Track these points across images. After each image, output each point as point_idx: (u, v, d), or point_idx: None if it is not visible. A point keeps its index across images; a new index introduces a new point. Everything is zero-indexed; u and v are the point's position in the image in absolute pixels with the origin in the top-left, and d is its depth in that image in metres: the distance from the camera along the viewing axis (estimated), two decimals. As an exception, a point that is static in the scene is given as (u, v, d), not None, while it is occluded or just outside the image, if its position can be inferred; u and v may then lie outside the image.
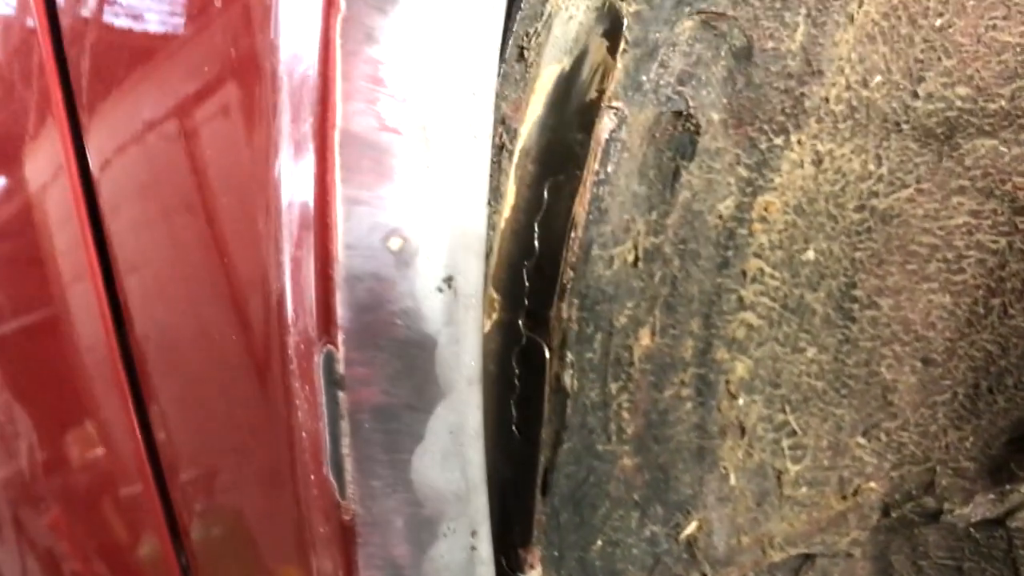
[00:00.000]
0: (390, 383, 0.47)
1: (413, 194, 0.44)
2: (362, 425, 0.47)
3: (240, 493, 0.62)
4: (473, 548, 0.50)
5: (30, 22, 0.72)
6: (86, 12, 0.66)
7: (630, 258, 0.75)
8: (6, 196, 0.80)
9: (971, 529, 0.96)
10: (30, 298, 0.82)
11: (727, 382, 0.86)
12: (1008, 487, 0.90)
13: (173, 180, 0.60)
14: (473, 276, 0.48)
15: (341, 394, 0.46)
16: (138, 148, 0.64)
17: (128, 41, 0.64)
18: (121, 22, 0.64)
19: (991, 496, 0.91)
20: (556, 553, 0.76)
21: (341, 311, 0.45)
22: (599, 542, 0.78)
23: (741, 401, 0.88)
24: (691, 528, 0.83)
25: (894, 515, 0.95)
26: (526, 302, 0.67)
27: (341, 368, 0.46)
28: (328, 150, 0.43)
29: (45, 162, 0.75)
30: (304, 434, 0.51)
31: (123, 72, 0.63)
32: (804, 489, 0.92)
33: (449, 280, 0.46)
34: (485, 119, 0.46)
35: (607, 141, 0.60)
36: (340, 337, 0.45)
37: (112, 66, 0.64)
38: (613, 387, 0.78)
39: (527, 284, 0.66)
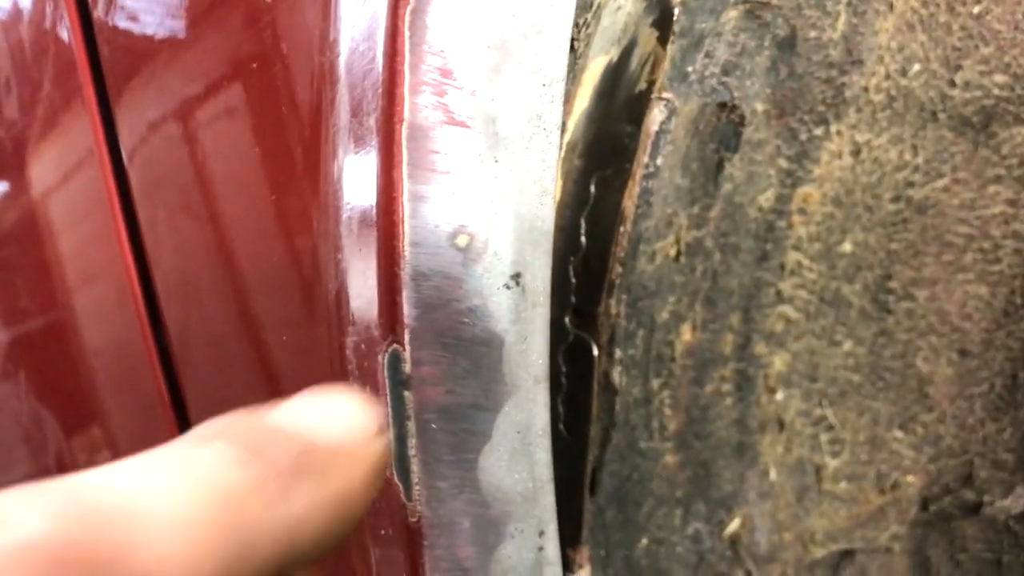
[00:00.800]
0: (457, 382, 0.46)
1: (480, 189, 0.43)
2: (429, 425, 0.46)
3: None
4: (541, 548, 0.49)
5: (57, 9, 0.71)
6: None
7: (672, 252, 0.74)
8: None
9: (1010, 522, 0.95)
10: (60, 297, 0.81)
11: (766, 376, 0.85)
12: (1050, 478, 0.89)
13: (217, 177, 0.59)
14: (541, 273, 0.46)
15: (407, 394, 0.45)
16: (177, 145, 0.63)
17: (166, 35, 0.63)
18: (157, 13, 0.63)
19: (1032, 487, 0.90)
20: (603, 553, 0.75)
21: (408, 309, 0.44)
22: (644, 540, 0.77)
23: (780, 396, 0.87)
24: (734, 525, 0.82)
25: (932, 508, 0.94)
26: (572, 299, 0.66)
27: (407, 367, 0.45)
28: (395, 144, 0.42)
29: (77, 153, 0.74)
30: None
31: (162, 65, 0.61)
32: (843, 484, 0.91)
33: (517, 277, 0.45)
34: (555, 112, 0.45)
35: (657, 133, 0.59)
36: (406, 336, 0.44)
37: (149, 60, 0.63)
38: (655, 383, 0.77)
39: (573, 281, 0.65)
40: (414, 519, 0.48)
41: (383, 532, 0.50)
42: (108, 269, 0.75)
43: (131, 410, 0.77)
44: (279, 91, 0.53)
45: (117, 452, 0.84)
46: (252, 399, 0.64)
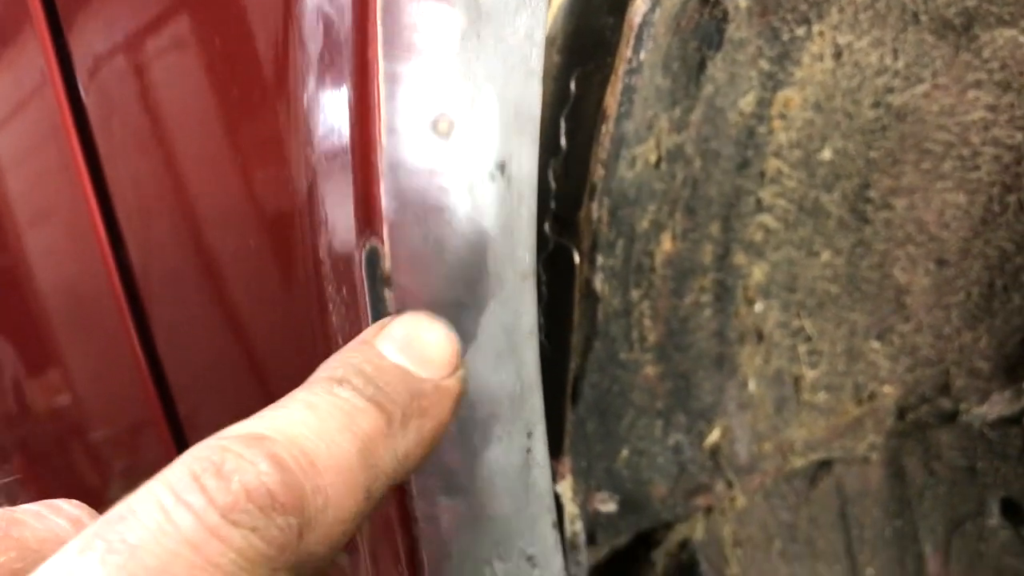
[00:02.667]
0: (439, 280, 0.44)
1: (462, 70, 0.40)
2: (411, 325, 0.44)
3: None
4: (528, 451, 0.47)
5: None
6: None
7: (652, 158, 0.72)
8: None
9: (985, 429, 0.95)
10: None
11: (745, 288, 0.84)
12: (1025, 384, 0.89)
13: (180, 97, 0.56)
14: (527, 162, 0.44)
15: (387, 293, 0.43)
16: (137, 69, 0.59)
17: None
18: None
19: (1007, 394, 0.91)
20: (584, 464, 0.74)
21: (385, 202, 0.41)
22: (625, 452, 0.76)
23: (758, 307, 0.86)
24: (714, 436, 0.81)
25: (909, 418, 0.94)
26: (552, 205, 0.64)
27: (387, 265, 0.42)
28: (368, 21, 0.39)
29: (28, 80, 0.70)
30: (342, 337, 0.48)
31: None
32: (821, 395, 0.90)
33: (502, 166, 0.42)
34: (540, -13, 0.42)
35: (640, 25, 0.56)
36: (385, 231, 0.42)
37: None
38: (635, 294, 0.75)
39: (553, 185, 0.63)
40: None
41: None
42: (66, 203, 0.71)
43: (94, 349, 0.74)
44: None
45: (77, 395, 0.81)
46: (221, 330, 0.62)
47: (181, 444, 0.67)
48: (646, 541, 0.82)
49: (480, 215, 0.43)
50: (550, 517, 0.49)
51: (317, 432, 0.34)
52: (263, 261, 0.54)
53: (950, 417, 0.94)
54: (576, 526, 0.69)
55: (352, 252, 0.44)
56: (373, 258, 0.43)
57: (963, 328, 0.95)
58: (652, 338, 0.77)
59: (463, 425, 0.46)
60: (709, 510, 0.84)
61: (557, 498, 0.68)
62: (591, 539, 0.75)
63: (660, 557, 0.81)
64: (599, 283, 0.65)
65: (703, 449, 0.81)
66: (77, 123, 0.67)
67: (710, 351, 0.82)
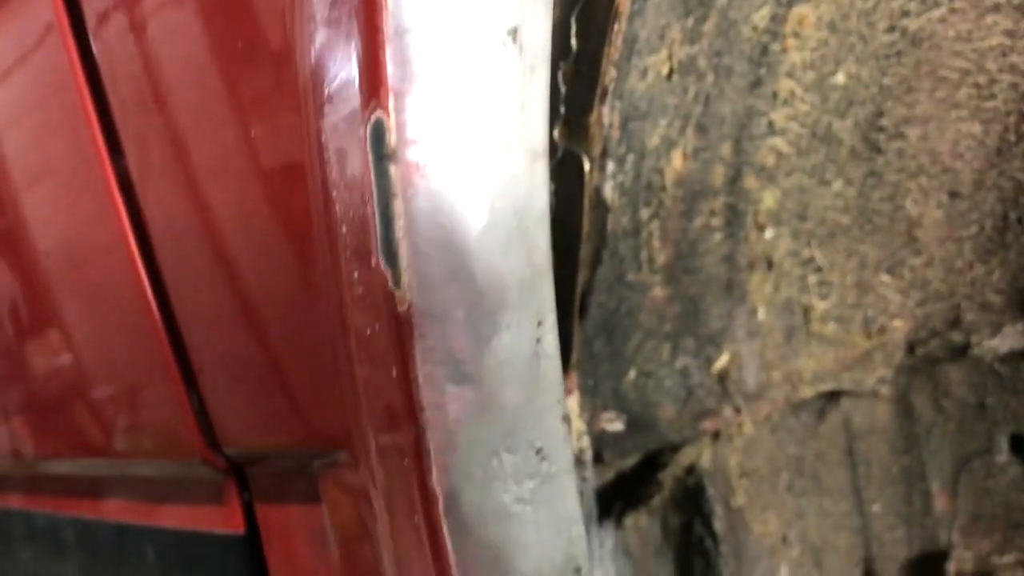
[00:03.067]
0: (447, 154, 0.42)
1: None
2: (418, 204, 0.43)
3: (263, 312, 0.57)
4: (538, 340, 0.46)
5: None
6: None
7: (664, 70, 0.70)
8: None
9: (995, 364, 0.94)
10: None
11: (755, 213, 0.83)
12: (1038, 316, 0.88)
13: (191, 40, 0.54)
14: (541, 28, 0.42)
15: (393, 169, 0.42)
16: (147, 17, 0.57)
17: None
18: None
19: (1020, 327, 0.89)
20: (591, 382, 0.72)
21: (391, 69, 0.40)
22: (632, 373, 0.75)
23: (769, 234, 0.84)
24: (722, 361, 0.80)
25: (919, 352, 0.93)
26: (562, 109, 0.62)
27: (392, 138, 0.41)
28: None
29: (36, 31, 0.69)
30: (346, 225, 0.46)
31: None
32: (831, 326, 0.89)
33: (514, 32, 0.41)
34: None
35: (654, -81, 0.54)
36: (390, 101, 0.40)
37: None
38: (644, 213, 0.74)
39: (563, 89, 0.61)
40: (403, 308, 0.44)
41: (368, 331, 0.47)
42: (76, 157, 0.69)
43: (103, 302, 0.73)
44: None
45: (79, 356, 0.80)
46: (213, 196, 0.60)
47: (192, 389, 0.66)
48: (652, 465, 0.81)
49: (489, 85, 0.41)
50: (559, 409, 0.48)
51: None
52: (263, 157, 0.53)
53: (961, 351, 0.93)
54: (583, 442, 0.68)
55: (357, 129, 0.43)
56: (378, 132, 0.42)
57: (975, 261, 0.94)
58: (661, 260, 0.76)
59: (471, 312, 0.45)
60: (716, 436, 0.83)
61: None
62: (597, 457, 0.74)
63: (667, 479, 0.80)
64: (609, 192, 0.64)
65: (711, 374, 0.79)
66: (87, 72, 0.65)
67: (719, 276, 0.80)
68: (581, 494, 0.56)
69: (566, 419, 0.48)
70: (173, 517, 0.76)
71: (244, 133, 0.52)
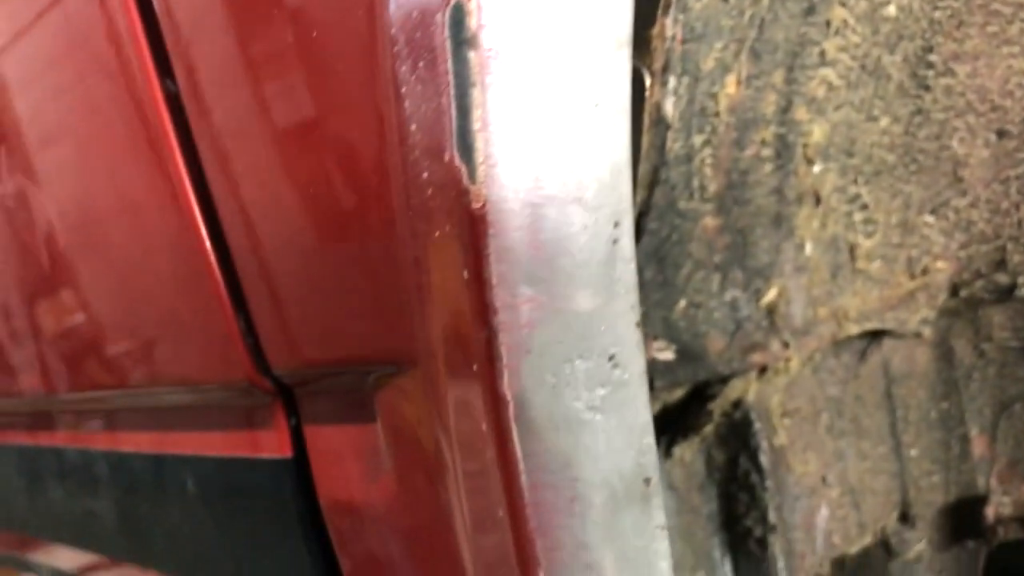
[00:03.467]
0: (529, 41, 0.41)
1: None
2: (497, 93, 0.41)
3: (316, 223, 0.56)
4: (615, 242, 0.45)
5: None
6: None
7: (721, -11, 0.68)
8: None
9: (1040, 306, 0.93)
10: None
11: (805, 146, 0.81)
12: (1087, 257, 0.86)
13: None
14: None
15: (472, 55, 0.40)
16: None
17: None
18: None
19: (1067, 268, 0.88)
20: (642, 310, 0.71)
21: (476, -52, 0.38)
22: (682, 303, 0.74)
23: (817, 168, 0.83)
24: (770, 295, 0.79)
25: (962, 294, 0.92)
26: (623, 22, 0.60)
27: (473, 21, 0.39)
28: None
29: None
30: (416, 122, 0.45)
31: None
32: (876, 265, 0.88)
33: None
34: None
35: None
36: (475, -19, 0.39)
37: None
38: (697, 140, 0.72)
39: (625, -1, 0.59)
40: (478, 205, 0.43)
41: (438, 233, 0.46)
42: (121, 70, 0.68)
43: (145, 229, 0.72)
44: None
45: (121, 282, 0.78)
46: (288, 182, 0.59)
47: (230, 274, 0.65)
48: (700, 397, 0.80)
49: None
50: (633, 316, 0.47)
51: None
52: (321, 58, 0.51)
53: (1006, 292, 0.91)
54: (635, 369, 0.67)
55: (434, 13, 0.41)
56: (458, 16, 0.40)
57: (1022, 202, 0.92)
58: (712, 188, 0.74)
59: (547, 209, 0.44)
60: (763, 370, 0.82)
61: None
62: (648, 385, 0.73)
63: (716, 411, 0.79)
64: (670, 107, 0.62)
65: (759, 307, 0.78)
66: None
67: (768, 209, 0.79)
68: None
69: (639, 326, 0.47)
70: (215, 445, 0.75)
71: (303, 31, 0.50)
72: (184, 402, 0.78)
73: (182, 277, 0.69)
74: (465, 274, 0.45)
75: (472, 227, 0.44)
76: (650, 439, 0.48)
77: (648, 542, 0.49)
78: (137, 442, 0.87)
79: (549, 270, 0.45)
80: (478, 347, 0.46)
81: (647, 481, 0.48)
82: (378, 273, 0.52)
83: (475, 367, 0.47)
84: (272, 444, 0.69)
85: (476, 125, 0.42)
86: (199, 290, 0.67)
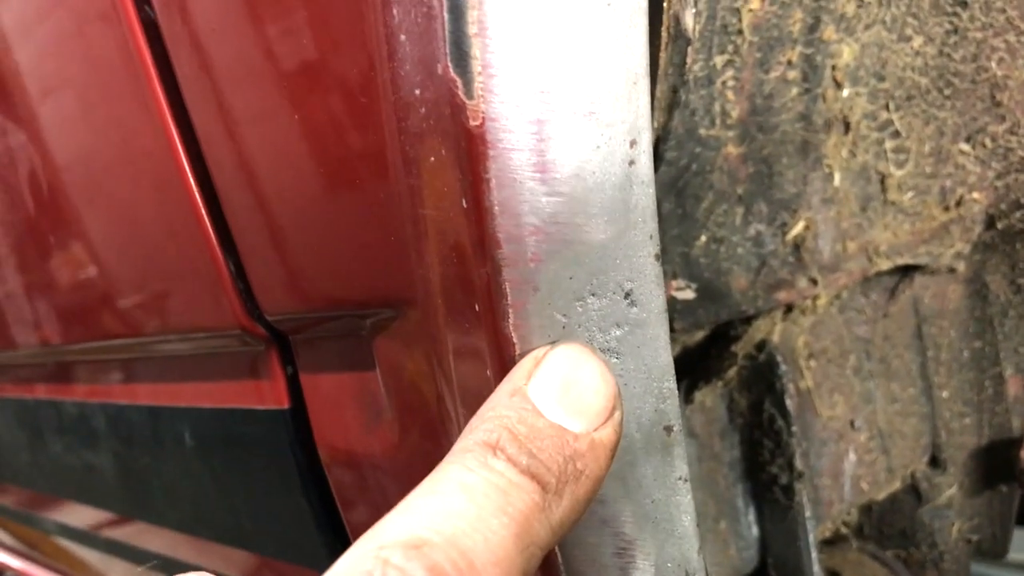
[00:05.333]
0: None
1: None
2: (495, -8, 0.36)
3: (305, 159, 0.51)
4: (631, 163, 0.40)
5: None
6: None
7: None
8: None
9: (1082, 238, 0.87)
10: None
11: (833, 68, 0.75)
12: None
13: None
14: None
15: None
16: None
17: None
18: None
19: (1113, 195, 0.82)
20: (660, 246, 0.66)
21: None
22: (703, 238, 0.69)
23: (846, 92, 0.77)
24: (797, 228, 0.74)
25: (1000, 226, 0.87)
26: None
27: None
28: None
29: None
30: (405, 32, 0.40)
31: None
32: (908, 196, 0.82)
33: None
34: None
35: None
36: None
37: None
38: (718, 61, 0.67)
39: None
40: (476, 122, 0.38)
41: (433, 158, 0.41)
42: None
43: (131, 174, 0.67)
44: None
45: (110, 230, 0.74)
46: (274, 114, 0.54)
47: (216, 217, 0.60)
48: (723, 338, 0.76)
49: None
50: (652, 247, 0.42)
51: (474, 523, 0.33)
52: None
53: (1047, 222, 0.86)
54: (653, 309, 0.62)
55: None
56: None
57: (1064, 127, 0.87)
58: (735, 114, 0.69)
59: (555, 126, 0.39)
60: (789, 309, 0.77)
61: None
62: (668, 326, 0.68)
63: (739, 353, 0.74)
64: (690, 20, 0.57)
65: (785, 242, 0.73)
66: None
67: (795, 136, 0.73)
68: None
69: (659, 259, 0.42)
70: (212, 396, 0.72)
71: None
72: (180, 352, 0.74)
73: (169, 220, 0.65)
74: (463, 203, 0.40)
75: (469, 148, 0.39)
76: (671, 384, 0.44)
77: (669, 495, 0.45)
78: (134, 394, 0.83)
79: (557, 196, 0.40)
80: (480, 284, 0.42)
81: (668, 429, 0.44)
82: (371, 208, 0.48)
83: (477, 307, 0.42)
84: (269, 394, 0.65)
85: (472, 29, 0.37)
86: (187, 233, 0.63)
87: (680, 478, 0.45)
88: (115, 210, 0.71)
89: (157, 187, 0.64)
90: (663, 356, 0.44)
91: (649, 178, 0.41)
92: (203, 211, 0.61)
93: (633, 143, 0.40)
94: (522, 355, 0.42)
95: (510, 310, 0.41)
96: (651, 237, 0.42)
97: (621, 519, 0.45)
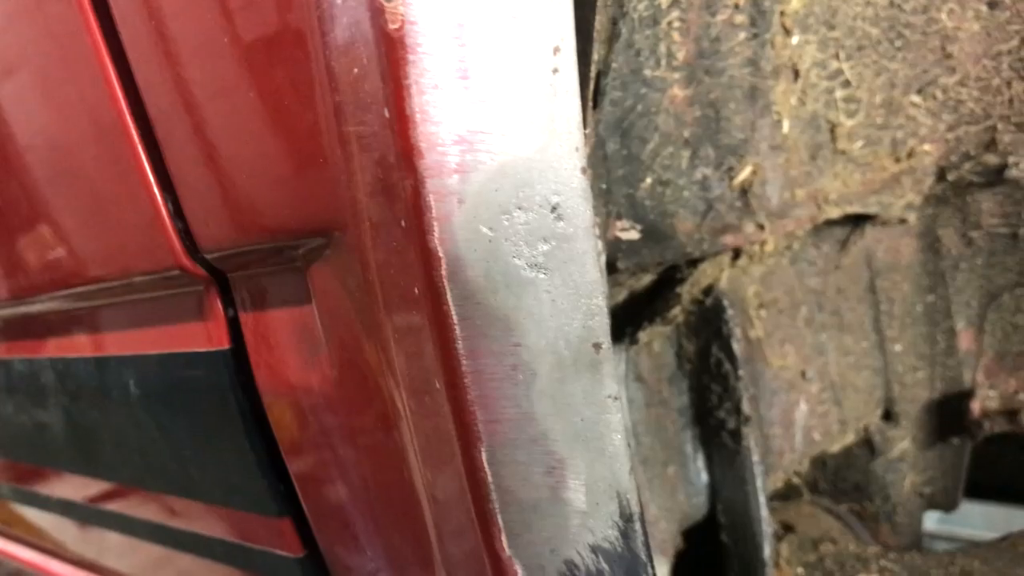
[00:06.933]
0: None
1: None
2: None
3: (235, 91, 0.50)
4: (555, 71, 0.40)
5: None
6: None
7: None
8: None
9: (1031, 190, 0.88)
10: None
11: (782, 14, 0.75)
12: (1082, 132, 0.81)
13: None
14: None
15: None
16: None
17: None
18: None
19: (1061, 145, 0.83)
20: (604, 186, 0.66)
21: None
22: (648, 180, 0.69)
23: (795, 39, 0.77)
24: (744, 174, 0.74)
25: (950, 177, 0.87)
26: None
27: None
28: None
29: None
30: None
31: None
32: (858, 145, 0.83)
33: None
34: None
35: None
36: None
37: None
38: (663, 0, 0.66)
39: None
40: (395, 26, 0.38)
41: (356, 70, 0.41)
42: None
43: (68, 115, 0.66)
44: None
45: (48, 177, 0.73)
46: (204, 51, 0.53)
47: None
48: (669, 282, 0.76)
49: None
50: (578, 160, 0.42)
51: None
52: None
53: (995, 173, 0.86)
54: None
55: None
56: None
57: (1014, 79, 0.87)
58: (681, 56, 0.69)
59: (474, 31, 0.38)
60: (737, 255, 0.77)
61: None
62: (611, 266, 0.68)
63: (685, 294, 0.74)
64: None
65: (732, 187, 0.73)
66: None
67: (742, 81, 0.73)
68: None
69: (585, 172, 0.42)
70: (154, 342, 0.71)
71: None
72: (122, 300, 0.73)
73: (108, 164, 0.64)
74: (385, 113, 0.40)
75: (389, 53, 0.38)
76: (600, 301, 0.44)
77: (599, 413, 0.45)
78: (79, 347, 0.82)
79: (480, 104, 0.39)
80: (404, 197, 0.41)
81: (597, 347, 0.44)
82: (300, 132, 0.47)
83: (403, 223, 0.42)
84: (210, 336, 0.64)
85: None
86: (126, 175, 0.62)
87: (610, 396, 0.45)
88: (55, 160, 0.70)
89: (96, 130, 0.63)
90: (591, 272, 0.44)
91: (573, 88, 0.41)
92: (141, 152, 0.60)
93: (556, 50, 0.40)
94: (449, 271, 0.42)
95: (435, 223, 0.41)
96: (576, 149, 0.42)
97: (551, 437, 0.44)
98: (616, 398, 0.45)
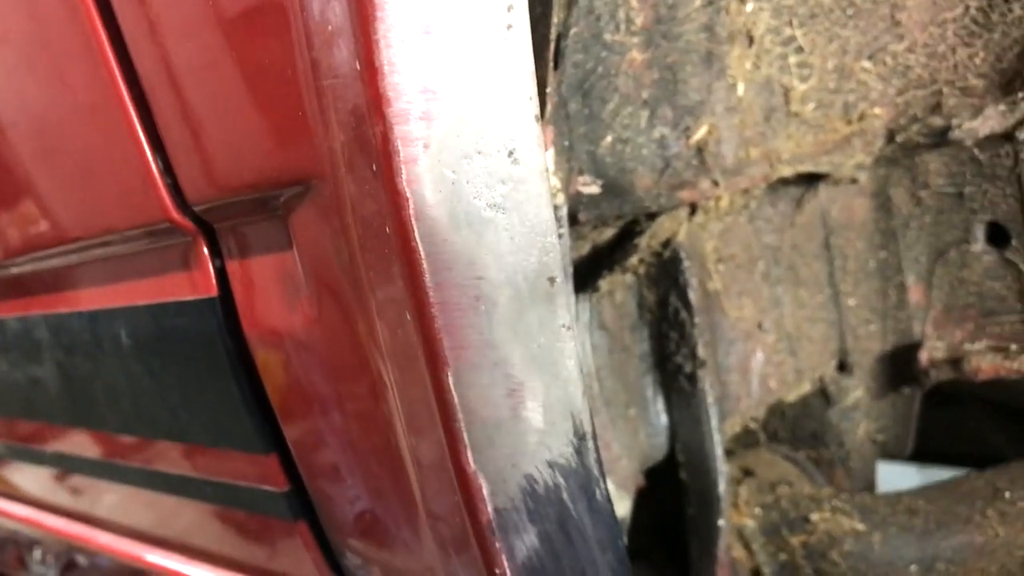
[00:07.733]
0: None
1: None
2: None
3: (221, 49, 0.55)
4: (509, 27, 0.44)
5: None
6: None
7: None
8: None
9: (975, 150, 0.93)
10: None
11: (736, -18, 0.80)
12: (1020, 95, 0.86)
13: None
14: None
15: None
16: None
17: None
18: None
19: (1001, 107, 0.88)
20: (566, 143, 0.71)
21: None
22: (609, 138, 0.74)
23: (749, 7, 0.82)
24: (700, 133, 0.79)
25: (899, 139, 0.92)
26: None
27: None
28: None
29: None
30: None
31: None
32: (810, 108, 0.87)
33: None
34: None
35: None
36: None
37: None
38: (621, -32, 0.71)
39: None
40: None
41: (330, 27, 0.45)
42: None
43: (60, 75, 0.69)
44: None
45: (40, 136, 0.77)
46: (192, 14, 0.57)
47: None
48: (629, 234, 0.81)
49: None
50: (531, 108, 0.47)
51: None
52: None
53: (941, 135, 0.91)
54: (558, 199, 0.67)
55: None
56: None
57: (959, 45, 0.92)
58: (639, 21, 0.73)
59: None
60: (694, 210, 0.82)
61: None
62: (573, 219, 0.73)
63: (643, 245, 0.79)
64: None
65: (689, 145, 0.78)
66: None
67: (699, 46, 0.78)
68: (557, 215, 0.55)
69: (538, 119, 0.47)
70: (145, 293, 0.75)
71: None
72: (112, 253, 0.78)
73: (100, 123, 0.68)
74: (357, 64, 0.44)
75: (360, 11, 0.43)
76: (553, 239, 0.48)
77: (554, 340, 0.50)
78: (72, 301, 0.86)
79: (442, 57, 0.44)
80: (375, 143, 0.46)
81: (551, 280, 0.49)
82: (280, 87, 0.51)
83: (374, 167, 0.47)
84: (198, 284, 0.69)
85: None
86: (119, 136, 0.66)
87: (563, 325, 0.50)
88: (50, 124, 0.74)
89: (89, 94, 0.67)
90: (545, 212, 0.48)
91: (526, 43, 0.45)
92: (133, 114, 0.64)
93: (510, 8, 0.44)
94: (416, 211, 0.46)
95: (403, 167, 0.46)
96: (530, 99, 0.46)
97: (511, 362, 0.49)
98: (569, 328, 0.50)
